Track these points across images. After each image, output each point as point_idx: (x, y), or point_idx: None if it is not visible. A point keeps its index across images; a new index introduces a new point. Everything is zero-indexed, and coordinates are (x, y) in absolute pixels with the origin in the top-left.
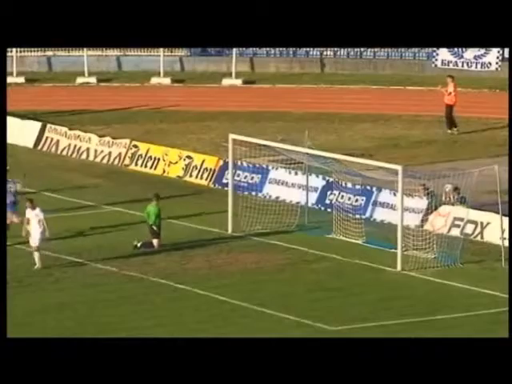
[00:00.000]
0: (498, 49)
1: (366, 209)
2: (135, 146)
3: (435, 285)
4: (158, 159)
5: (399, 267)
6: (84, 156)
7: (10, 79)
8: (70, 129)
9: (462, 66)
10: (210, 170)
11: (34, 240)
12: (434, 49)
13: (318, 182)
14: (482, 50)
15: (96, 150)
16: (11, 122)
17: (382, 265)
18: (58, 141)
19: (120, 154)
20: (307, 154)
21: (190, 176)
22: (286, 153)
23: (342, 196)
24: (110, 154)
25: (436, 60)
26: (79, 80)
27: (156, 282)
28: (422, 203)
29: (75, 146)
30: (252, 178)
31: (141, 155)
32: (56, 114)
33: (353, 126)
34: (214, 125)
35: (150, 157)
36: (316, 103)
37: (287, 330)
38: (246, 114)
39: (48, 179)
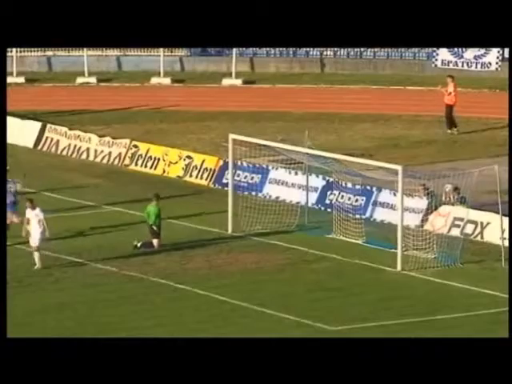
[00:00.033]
0: (498, 49)
1: (366, 209)
2: (135, 146)
3: (435, 285)
4: (158, 159)
5: (399, 267)
6: (84, 156)
7: (9, 79)
8: (70, 129)
9: (462, 66)
10: (210, 170)
11: (34, 240)
12: (434, 49)
13: (318, 182)
14: (482, 50)
15: (96, 150)
16: (11, 122)
17: (382, 265)
18: (58, 141)
19: (120, 154)
20: (307, 153)
21: (190, 176)
22: (286, 153)
23: (342, 196)
24: (110, 154)
25: (436, 60)
26: (79, 80)
27: (156, 281)
28: (422, 203)
29: (75, 146)
30: (252, 178)
31: (141, 155)
32: (56, 113)
33: (353, 126)
34: (213, 125)
35: (150, 157)
36: (316, 103)
37: (287, 330)
38: (246, 113)
39: (48, 179)
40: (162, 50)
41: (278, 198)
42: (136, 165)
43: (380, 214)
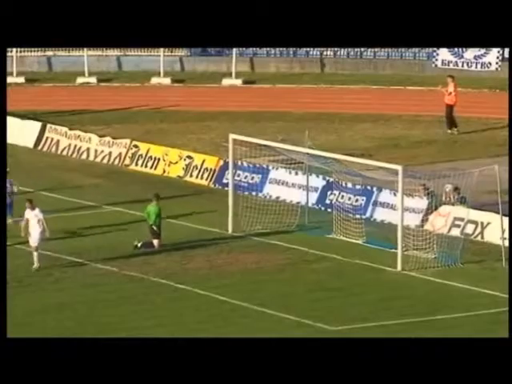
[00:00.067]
0: (498, 49)
1: (367, 209)
2: (135, 146)
3: (435, 285)
4: (159, 159)
5: (399, 267)
6: (84, 156)
7: (9, 79)
8: (70, 129)
9: (462, 66)
10: (211, 169)
11: (34, 240)
12: (434, 49)
13: (318, 182)
14: (482, 50)
15: (96, 150)
16: (11, 122)
17: (382, 265)
18: (58, 141)
19: (120, 154)
20: (307, 153)
21: (191, 176)
22: (287, 153)
23: (342, 196)
24: (110, 154)
25: (436, 60)
26: (79, 80)
27: (156, 282)
28: (422, 203)
29: (75, 146)
30: (252, 178)
31: (141, 155)
32: (56, 113)
33: (353, 126)
34: (214, 125)
35: (151, 157)
36: (316, 103)
37: (287, 330)
38: (246, 113)
39: (48, 179)
40: (162, 49)
41: (278, 198)
42: (136, 165)
43: (380, 214)
